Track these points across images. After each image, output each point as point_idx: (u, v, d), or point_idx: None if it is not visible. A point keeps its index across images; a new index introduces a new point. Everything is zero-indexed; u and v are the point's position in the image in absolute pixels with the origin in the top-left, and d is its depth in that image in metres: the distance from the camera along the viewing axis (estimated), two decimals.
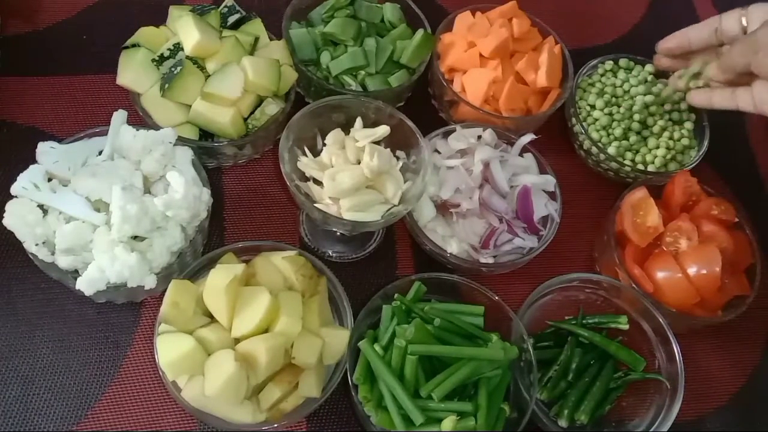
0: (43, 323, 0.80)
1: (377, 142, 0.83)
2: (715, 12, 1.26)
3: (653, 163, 0.97)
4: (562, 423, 0.81)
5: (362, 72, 0.96)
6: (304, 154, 0.83)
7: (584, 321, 0.86)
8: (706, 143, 1.00)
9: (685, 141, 0.98)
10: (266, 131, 0.89)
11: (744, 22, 0.83)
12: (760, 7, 0.82)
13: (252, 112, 0.88)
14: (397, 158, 0.85)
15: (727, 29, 0.85)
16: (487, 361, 0.75)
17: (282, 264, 0.77)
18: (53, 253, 0.73)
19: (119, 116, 0.80)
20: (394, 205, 0.82)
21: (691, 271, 0.85)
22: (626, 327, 0.86)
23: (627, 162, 0.97)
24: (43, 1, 1.02)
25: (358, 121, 0.84)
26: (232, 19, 0.93)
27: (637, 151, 0.98)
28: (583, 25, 1.19)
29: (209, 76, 0.86)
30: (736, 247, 0.88)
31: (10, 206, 0.72)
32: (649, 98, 0.98)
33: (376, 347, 0.76)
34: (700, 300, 0.86)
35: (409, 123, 0.84)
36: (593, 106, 1.00)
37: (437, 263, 0.89)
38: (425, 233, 0.87)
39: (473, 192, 0.89)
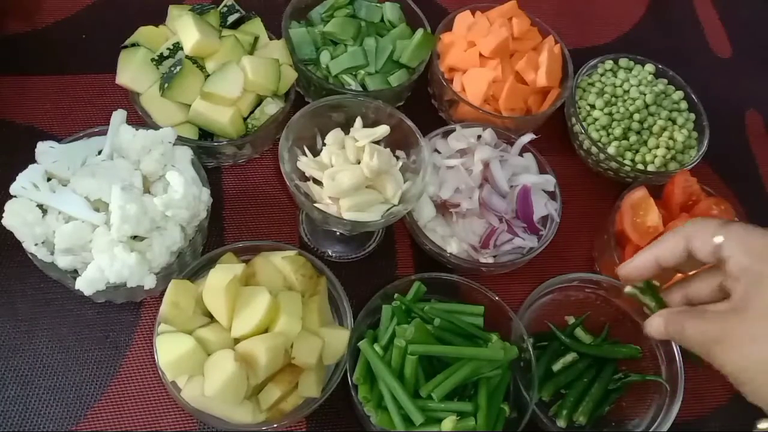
0: (42, 323, 0.80)
1: (377, 142, 0.83)
2: (714, 12, 1.27)
3: (653, 162, 0.97)
4: (560, 423, 0.81)
5: (362, 71, 0.96)
6: (304, 153, 0.83)
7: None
8: (706, 143, 1.00)
9: (684, 141, 0.98)
10: (266, 131, 0.89)
11: (722, 252, 0.58)
12: (736, 231, 0.57)
13: (252, 112, 0.88)
14: (397, 158, 0.84)
15: (700, 254, 0.60)
16: (487, 361, 0.75)
17: (282, 264, 0.77)
18: (52, 253, 0.73)
19: (118, 116, 0.80)
20: (394, 205, 0.82)
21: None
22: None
23: (627, 162, 0.97)
24: (42, 0, 1.02)
25: (358, 121, 0.84)
26: (231, 19, 0.93)
27: (637, 151, 0.98)
28: (583, 25, 1.19)
29: (209, 75, 0.86)
30: None
31: (9, 206, 0.72)
32: (649, 98, 0.98)
33: (376, 347, 0.76)
34: None
35: (409, 123, 0.83)
36: (593, 106, 1.00)
37: (437, 263, 0.89)
38: (425, 233, 0.87)
39: (473, 192, 0.89)
